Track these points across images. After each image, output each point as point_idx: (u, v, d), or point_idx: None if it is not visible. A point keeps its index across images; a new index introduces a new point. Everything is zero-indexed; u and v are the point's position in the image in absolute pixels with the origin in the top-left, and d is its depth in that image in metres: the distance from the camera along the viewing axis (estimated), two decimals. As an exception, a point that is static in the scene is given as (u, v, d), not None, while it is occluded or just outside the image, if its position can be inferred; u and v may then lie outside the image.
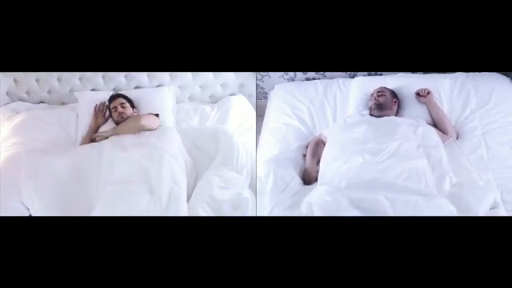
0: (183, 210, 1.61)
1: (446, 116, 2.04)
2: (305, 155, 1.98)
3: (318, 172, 1.85)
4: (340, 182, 1.59)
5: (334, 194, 1.52)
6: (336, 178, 1.64)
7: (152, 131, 2.02)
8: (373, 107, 2.09)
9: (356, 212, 1.44)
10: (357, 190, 1.52)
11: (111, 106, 2.20)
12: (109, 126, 2.21)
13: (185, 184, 1.73)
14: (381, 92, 2.12)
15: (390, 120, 1.99)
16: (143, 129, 2.03)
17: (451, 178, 1.66)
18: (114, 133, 2.04)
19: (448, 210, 1.43)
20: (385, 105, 2.07)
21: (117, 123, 2.16)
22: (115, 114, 2.17)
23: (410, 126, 1.90)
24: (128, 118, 2.12)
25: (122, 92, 2.32)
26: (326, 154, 1.86)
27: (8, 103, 2.49)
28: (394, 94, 2.15)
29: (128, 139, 1.94)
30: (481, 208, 1.50)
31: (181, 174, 1.76)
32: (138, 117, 2.10)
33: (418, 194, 1.49)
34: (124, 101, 2.21)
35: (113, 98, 2.24)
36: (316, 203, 1.52)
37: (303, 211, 1.54)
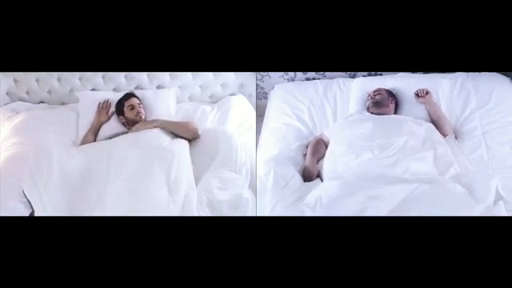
0: (195, 213, 1.61)
1: (445, 116, 2.05)
2: (305, 154, 1.99)
3: (317, 170, 1.88)
4: (350, 177, 1.62)
5: (345, 188, 1.54)
6: (346, 173, 1.66)
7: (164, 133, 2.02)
8: (370, 105, 2.13)
9: (366, 205, 1.47)
10: (367, 185, 1.55)
11: (127, 104, 2.17)
12: (110, 124, 2.21)
13: (195, 186, 1.73)
14: (377, 91, 2.17)
15: (393, 117, 2.03)
16: (196, 138, 2.05)
17: (456, 170, 1.68)
18: (166, 127, 2.04)
19: (459, 191, 1.49)
20: (381, 102, 2.11)
21: (131, 122, 2.14)
22: (132, 113, 2.14)
23: (414, 123, 1.92)
24: (154, 119, 2.12)
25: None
26: (334, 150, 1.87)
27: (8, 103, 2.49)
28: (390, 93, 2.18)
29: (142, 138, 1.93)
30: (488, 188, 1.51)
31: (192, 177, 1.77)
32: (193, 123, 2.10)
33: (429, 182, 1.52)
34: (140, 101, 2.21)
35: (129, 96, 2.21)
36: (326, 196, 1.54)
37: (311, 204, 1.55)
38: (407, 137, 1.77)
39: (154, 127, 2.05)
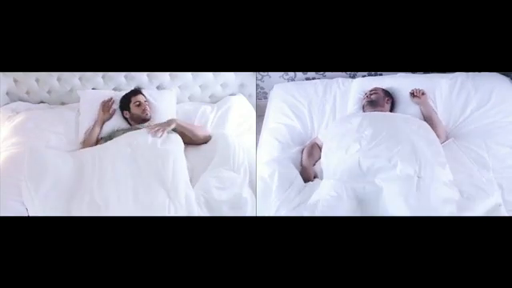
0: (196, 213, 1.61)
1: (438, 119, 2.03)
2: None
3: (314, 172, 1.90)
4: (342, 174, 1.64)
5: (338, 187, 1.56)
6: (337, 169, 1.68)
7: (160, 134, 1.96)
8: (365, 104, 2.15)
9: (357, 204, 1.51)
10: (357, 180, 1.58)
11: (134, 100, 2.15)
12: (113, 119, 2.21)
13: (191, 186, 1.73)
14: (373, 91, 2.17)
15: (385, 113, 2.03)
16: (206, 141, 2.05)
17: (448, 173, 1.65)
18: (181, 129, 2.00)
19: (448, 197, 1.49)
20: (377, 101, 2.11)
21: (136, 118, 2.13)
22: (139, 109, 2.13)
23: (405, 119, 1.93)
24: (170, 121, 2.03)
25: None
26: (327, 147, 1.88)
27: (8, 103, 2.49)
28: (387, 92, 2.18)
29: (136, 141, 1.88)
30: (481, 207, 1.50)
31: (187, 177, 1.76)
32: (207, 130, 2.10)
33: (417, 175, 1.53)
34: (146, 99, 2.20)
35: (137, 93, 2.19)
36: (324, 200, 1.56)
37: (310, 208, 1.56)
38: (395, 127, 1.78)
39: (172, 129, 1.99)
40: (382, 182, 1.55)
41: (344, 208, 1.52)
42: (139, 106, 2.14)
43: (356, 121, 1.90)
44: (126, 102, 2.18)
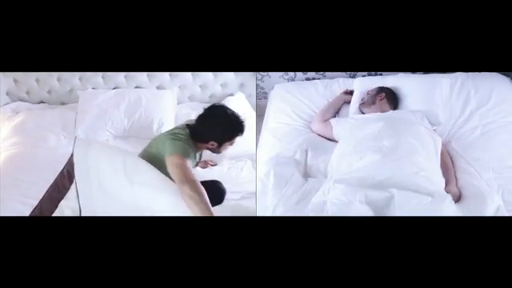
0: None
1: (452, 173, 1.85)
2: (306, 151, 1.97)
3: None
4: (355, 180, 1.60)
5: (349, 194, 1.53)
6: (350, 175, 1.64)
7: None
8: (360, 107, 2.18)
9: (369, 211, 1.47)
10: (371, 189, 1.54)
11: (234, 141, 1.74)
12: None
13: None
14: (368, 92, 2.20)
15: (407, 118, 1.95)
16: None
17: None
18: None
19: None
20: (367, 101, 2.14)
21: (213, 151, 1.76)
22: (225, 150, 1.79)
23: (425, 130, 1.88)
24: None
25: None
26: (340, 149, 1.85)
27: (8, 103, 2.50)
28: (381, 89, 2.17)
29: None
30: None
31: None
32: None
33: (431, 194, 1.51)
34: None
35: (241, 133, 1.73)
36: (331, 203, 1.53)
37: (316, 208, 1.55)
38: (416, 141, 1.74)
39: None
40: (396, 194, 1.51)
41: (355, 213, 1.48)
42: (229, 145, 1.77)
43: (376, 126, 1.84)
44: (228, 136, 1.72)
